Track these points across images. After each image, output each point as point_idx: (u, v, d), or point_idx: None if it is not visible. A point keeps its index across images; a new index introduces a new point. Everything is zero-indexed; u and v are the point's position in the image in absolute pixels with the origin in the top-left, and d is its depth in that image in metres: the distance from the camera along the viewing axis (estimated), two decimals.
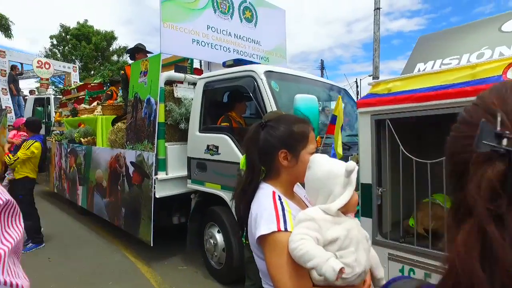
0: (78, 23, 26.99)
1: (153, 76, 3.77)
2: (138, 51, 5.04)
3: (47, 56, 24.09)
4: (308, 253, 0.90)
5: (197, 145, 3.59)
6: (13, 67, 10.70)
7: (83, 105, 6.73)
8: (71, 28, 26.69)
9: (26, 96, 11.29)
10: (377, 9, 10.11)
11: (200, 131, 3.58)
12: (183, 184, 3.89)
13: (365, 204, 2.27)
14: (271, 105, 2.97)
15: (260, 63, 3.97)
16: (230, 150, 3.21)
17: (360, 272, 0.97)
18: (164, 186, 3.78)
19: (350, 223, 1.01)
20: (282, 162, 1.14)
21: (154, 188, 3.69)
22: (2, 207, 0.46)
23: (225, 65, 3.72)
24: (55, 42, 27.09)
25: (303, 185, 1.17)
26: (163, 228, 4.33)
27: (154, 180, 3.68)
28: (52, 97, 9.70)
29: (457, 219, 0.41)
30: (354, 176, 1.01)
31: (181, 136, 4.13)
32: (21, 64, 11.26)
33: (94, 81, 7.53)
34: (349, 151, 3.15)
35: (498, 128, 0.38)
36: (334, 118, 2.72)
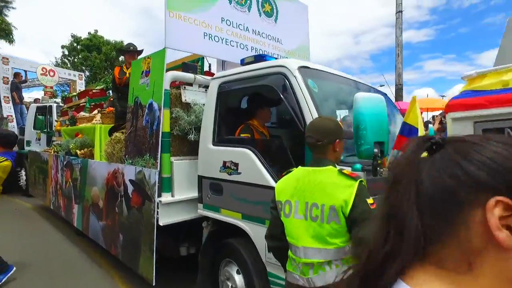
0: (89, 33, 26.98)
1: (156, 76, 3.09)
2: (126, 53, 4.41)
3: (57, 66, 23.98)
4: None
5: (210, 161, 2.87)
6: (16, 75, 10.27)
7: (82, 113, 6.12)
8: (82, 38, 26.68)
9: (29, 104, 10.82)
10: (399, 12, 9.37)
11: (214, 143, 2.85)
12: (193, 208, 3.16)
13: None
14: (310, 110, 2.23)
15: None
16: (254, 169, 2.48)
17: None
18: (169, 211, 3.05)
19: None
20: (495, 231, 0.40)
21: (157, 214, 2.97)
22: None
23: (243, 63, 3.02)
24: (66, 52, 27.09)
25: None
26: (168, 260, 3.60)
27: (157, 203, 2.96)
28: (54, 105, 9.16)
29: None
30: None
31: (191, 149, 3.42)
32: (25, 71, 10.84)
33: (96, 87, 6.93)
34: None
35: None
36: (407, 129, 1.95)
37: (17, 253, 4.66)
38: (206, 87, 3.50)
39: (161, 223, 2.97)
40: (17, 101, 10.14)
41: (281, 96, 2.44)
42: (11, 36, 9.71)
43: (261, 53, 4.08)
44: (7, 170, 3.46)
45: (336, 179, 1.57)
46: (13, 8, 11.36)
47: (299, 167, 1.76)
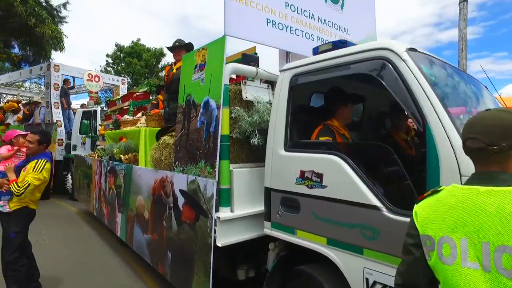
0: (132, 41, 28.01)
1: (214, 69, 2.61)
2: (173, 50, 3.99)
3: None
4: None
5: (282, 171, 2.32)
6: (65, 81, 10.52)
7: (126, 116, 5.88)
8: (125, 46, 27.74)
9: (76, 110, 11.06)
10: (463, 1, 8.34)
11: (287, 148, 2.30)
12: (256, 225, 2.65)
13: None
14: (432, 104, 1.62)
15: None
16: (347, 182, 1.89)
17: None
18: (229, 229, 2.54)
19: None
20: None
21: (215, 232, 2.47)
22: None
23: (317, 52, 2.46)
24: (110, 61, 28.28)
25: None
26: (223, 283, 3.10)
27: (215, 220, 2.47)
28: (98, 109, 9.20)
29: None
30: None
31: (250, 154, 2.91)
32: (73, 78, 11.09)
33: (139, 90, 6.72)
34: None
35: None
36: None
37: (62, 261, 4.44)
38: (269, 83, 2.99)
39: (219, 244, 2.47)
40: (65, 107, 10.36)
41: (384, 87, 1.84)
42: (62, 44, 9.93)
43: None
44: (49, 172, 3.18)
45: None
46: (66, 22, 11.75)
47: (454, 185, 1.15)
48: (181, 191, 2.89)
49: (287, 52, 3.05)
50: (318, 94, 2.75)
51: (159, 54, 28.41)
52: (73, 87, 11.31)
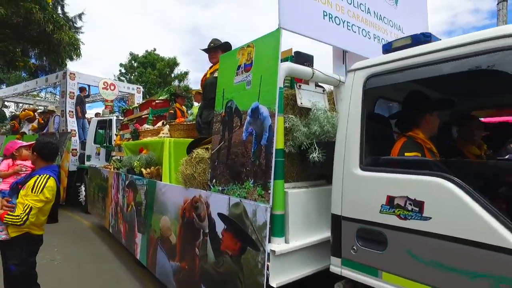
0: (146, 51, 28.08)
1: (265, 69, 2.17)
2: (208, 52, 3.56)
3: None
4: None
5: (358, 195, 1.84)
6: (82, 89, 10.31)
7: (146, 126, 5.50)
8: (139, 56, 27.84)
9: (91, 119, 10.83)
10: (503, 1, 7.81)
11: (365, 167, 1.82)
12: (313, 257, 2.17)
13: None
14: None
15: None
16: (465, 215, 1.40)
17: None
18: (284, 265, 2.06)
19: None
20: None
21: (268, 269, 1.99)
22: None
23: (389, 48, 2.00)
24: (123, 71, 28.37)
25: None
26: None
27: (268, 254, 1.99)
28: (114, 118, 8.89)
29: None
30: None
31: (302, 171, 2.45)
32: (89, 86, 10.88)
33: (159, 98, 6.35)
34: None
35: None
36: None
37: (76, 284, 4.00)
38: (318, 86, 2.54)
39: (274, 284, 1.99)
40: (79, 115, 10.10)
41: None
42: (78, 51, 9.75)
43: (384, 43, 3.04)
44: (53, 190, 2.63)
45: None
46: (81, 32, 11.69)
47: None
48: (220, 215, 2.43)
49: (343, 53, 2.60)
50: (393, 99, 2.27)
51: (173, 64, 28.42)
52: (88, 95, 11.10)
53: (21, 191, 2.52)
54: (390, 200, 1.65)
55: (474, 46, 1.49)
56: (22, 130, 10.74)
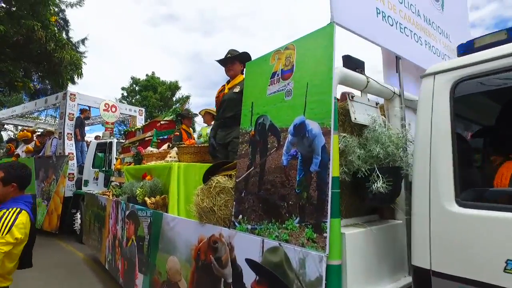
0: (147, 75, 28.17)
1: (314, 74, 1.70)
2: (225, 63, 3.10)
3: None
4: None
5: (458, 242, 1.30)
6: (82, 111, 9.90)
7: (149, 148, 5.00)
8: (140, 80, 27.87)
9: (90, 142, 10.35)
10: None
11: (464, 202, 1.30)
12: None
13: None
14: None
15: None
16: None
17: None
18: None
19: None
20: None
21: None
22: None
23: (471, 47, 1.55)
24: (125, 94, 28.29)
25: None
26: None
27: None
28: (114, 141, 8.40)
29: None
30: None
31: (349, 204, 1.93)
32: (89, 107, 10.49)
33: (165, 118, 5.90)
34: None
35: None
36: None
37: None
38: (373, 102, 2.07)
39: None
40: (78, 138, 9.62)
41: None
42: (80, 70, 9.44)
43: (433, 51, 2.60)
44: (26, 227, 2.00)
45: None
46: (85, 57, 11.55)
47: None
48: (250, 262, 1.87)
49: (396, 59, 2.15)
50: (494, 108, 1.78)
51: (174, 87, 28.43)
52: (89, 118, 10.69)
53: None
54: None
55: None
56: (16, 152, 10.24)
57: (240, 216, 2.02)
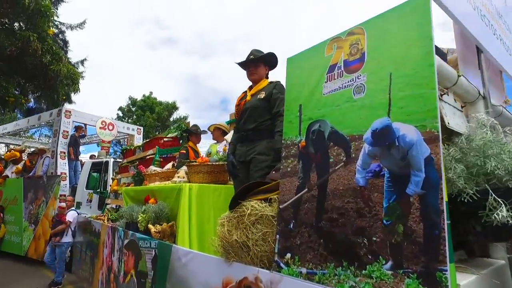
0: (143, 95, 27.95)
1: (406, 59, 1.25)
2: (245, 66, 2.67)
3: None
4: None
5: None
6: (77, 128, 9.35)
7: (152, 168, 4.48)
8: (137, 100, 27.60)
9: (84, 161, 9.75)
10: None
11: None
12: None
13: None
14: None
15: None
16: None
17: None
18: None
19: None
20: None
21: None
22: None
23: None
24: (121, 114, 27.88)
25: None
26: None
27: None
28: (111, 160, 7.86)
29: None
30: None
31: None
32: (85, 125, 9.95)
33: (168, 135, 5.42)
34: None
35: None
36: None
37: None
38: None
39: None
40: (72, 157, 9.03)
41: None
42: (77, 85, 9.00)
43: (505, 47, 2.20)
44: None
45: None
46: (83, 77, 11.28)
47: None
48: None
49: (478, 50, 1.73)
50: None
51: (172, 108, 28.16)
52: (84, 136, 10.14)
53: None
54: None
55: None
56: (4, 174, 9.57)
57: (288, 255, 1.50)
